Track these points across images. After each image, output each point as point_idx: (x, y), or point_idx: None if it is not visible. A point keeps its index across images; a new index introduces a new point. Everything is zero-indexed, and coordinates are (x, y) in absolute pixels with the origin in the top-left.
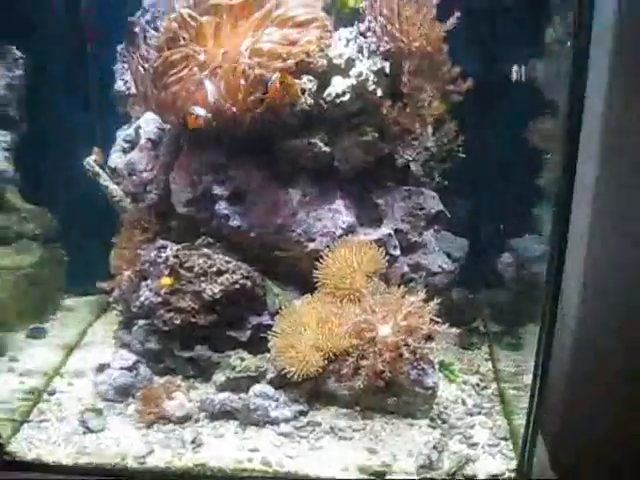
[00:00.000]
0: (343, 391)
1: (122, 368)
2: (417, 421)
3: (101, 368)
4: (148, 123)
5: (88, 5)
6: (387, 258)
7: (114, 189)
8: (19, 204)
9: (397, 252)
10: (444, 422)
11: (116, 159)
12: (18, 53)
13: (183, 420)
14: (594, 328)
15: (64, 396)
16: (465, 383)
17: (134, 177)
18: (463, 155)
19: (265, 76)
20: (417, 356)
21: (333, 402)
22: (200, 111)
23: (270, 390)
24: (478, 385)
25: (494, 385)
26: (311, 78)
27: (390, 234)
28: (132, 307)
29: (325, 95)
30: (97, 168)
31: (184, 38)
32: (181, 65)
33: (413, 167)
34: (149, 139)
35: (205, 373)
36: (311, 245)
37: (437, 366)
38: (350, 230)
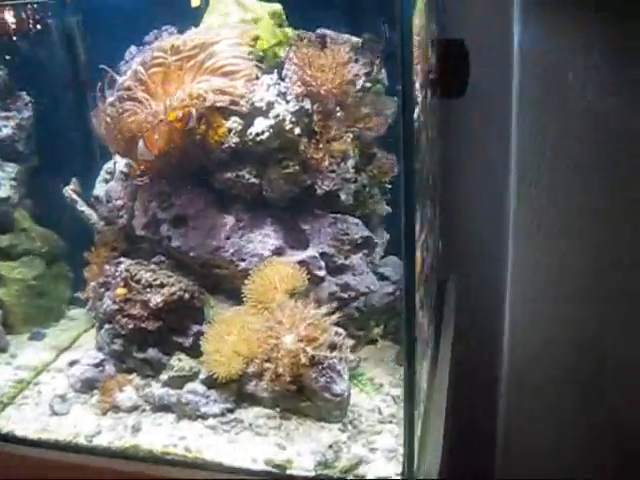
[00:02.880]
0: (262, 393)
1: (89, 364)
2: (329, 425)
3: (72, 363)
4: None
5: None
6: (314, 278)
7: (90, 214)
8: (27, 225)
9: (322, 273)
10: (354, 427)
11: (99, 188)
12: (27, 97)
13: (131, 410)
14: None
15: (45, 387)
16: (387, 395)
17: (110, 204)
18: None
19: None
20: (325, 365)
21: (258, 403)
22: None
23: (201, 388)
24: (399, 397)
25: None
26: (237, 119)
27: (315, 256)
28: (98, 314)
29: (247, 134)
30: (74, 196)
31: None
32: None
33: (343, 196)
34: (122, 171)
35: (159, 373)
36: (242, 264)
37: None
38: (277, 252)
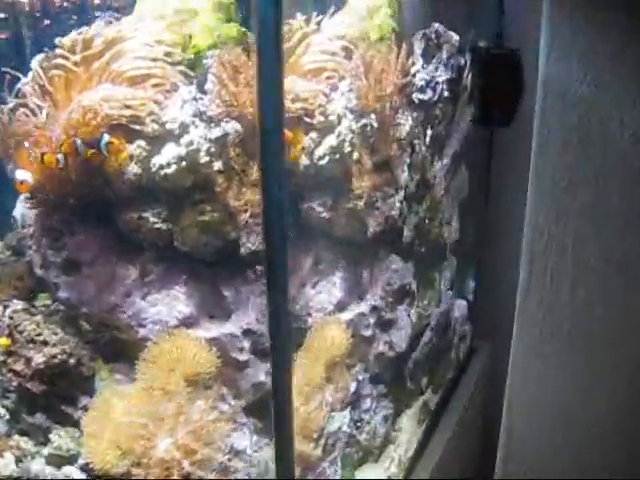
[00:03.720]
0: None
1: None
2: None
3: None
4: None
5: None
6: (233, 362)
7: None
8: None
9: (244, 356)
10: None
11: (20, 208)
12: None
13: None
14: None
15: None
16: None
17: (25, 230)
18: None
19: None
20: None
21: None
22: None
23: (79, 475)
24: None
25: None
26: (142, 144)
27: (234, 334)
28: None
29: (151, 165)
30: None
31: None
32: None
33: None
34: None
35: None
36: (141, 331)
37: None
38: (187, 322)
